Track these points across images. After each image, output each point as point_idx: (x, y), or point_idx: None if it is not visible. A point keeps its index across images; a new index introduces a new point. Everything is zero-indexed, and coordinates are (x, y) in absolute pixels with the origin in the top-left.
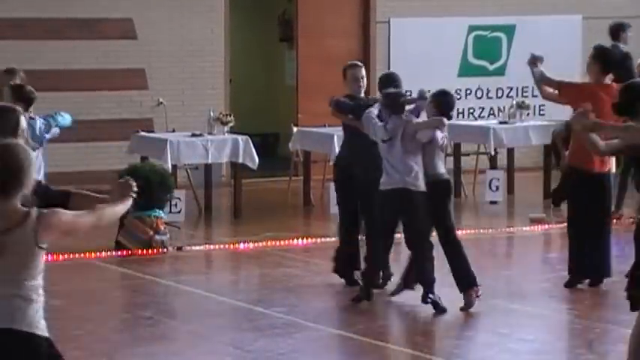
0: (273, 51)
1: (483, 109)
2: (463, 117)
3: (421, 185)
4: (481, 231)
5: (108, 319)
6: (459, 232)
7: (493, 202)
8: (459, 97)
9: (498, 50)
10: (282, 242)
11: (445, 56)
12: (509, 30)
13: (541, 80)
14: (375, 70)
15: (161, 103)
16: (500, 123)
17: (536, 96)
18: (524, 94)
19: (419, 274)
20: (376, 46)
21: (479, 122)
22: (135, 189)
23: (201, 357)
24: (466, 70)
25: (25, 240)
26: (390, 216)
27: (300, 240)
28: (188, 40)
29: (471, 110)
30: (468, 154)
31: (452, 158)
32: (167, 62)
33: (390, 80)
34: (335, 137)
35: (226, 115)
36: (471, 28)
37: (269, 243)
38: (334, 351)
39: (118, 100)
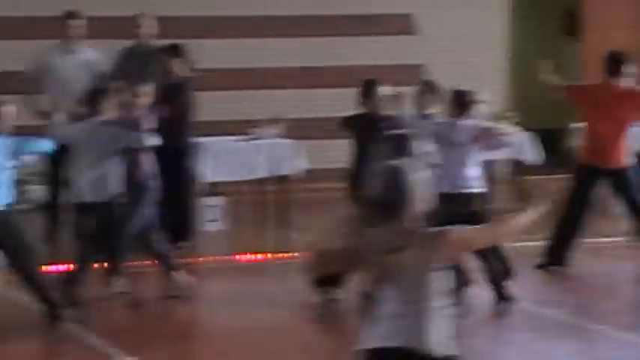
0: (556, 45)
1: None
2: None
3: None
4: None
5: None
6: None
7: None
8: None
9: None
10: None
11: None
12: None
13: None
14: None
15: None
16: None
17: None
18: None
19: None
20: None
21: None
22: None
23: None
24: None
25: (415, 261)
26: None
27: None
28: (467, 35)
29: None
30: None
31: None
32: (446, 58)
33: None
34: None
35: (507, 111)
36: None
37: None
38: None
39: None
